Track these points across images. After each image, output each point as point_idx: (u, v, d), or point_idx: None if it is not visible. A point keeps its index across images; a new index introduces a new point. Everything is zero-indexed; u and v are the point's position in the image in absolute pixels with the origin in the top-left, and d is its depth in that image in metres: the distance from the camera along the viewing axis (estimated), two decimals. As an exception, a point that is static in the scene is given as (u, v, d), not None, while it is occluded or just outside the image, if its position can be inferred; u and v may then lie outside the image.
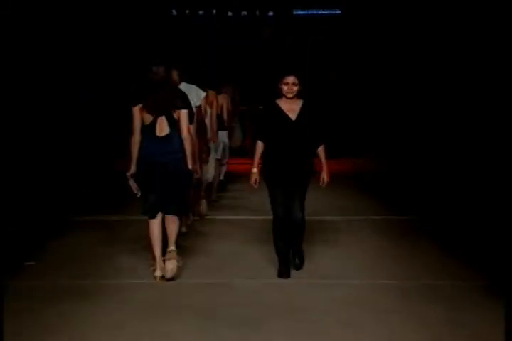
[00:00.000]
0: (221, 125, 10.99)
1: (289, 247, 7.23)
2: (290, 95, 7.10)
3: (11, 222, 9.00)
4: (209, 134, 9.82)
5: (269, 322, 5.86)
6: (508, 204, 10.23)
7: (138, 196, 7.12)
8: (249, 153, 15.94)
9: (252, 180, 7.10)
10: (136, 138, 6.91)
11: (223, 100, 11.18)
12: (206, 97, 9.10)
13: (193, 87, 8.52)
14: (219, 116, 10.82)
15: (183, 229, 8.65)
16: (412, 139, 15.50)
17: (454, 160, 12.59)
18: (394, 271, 7.42)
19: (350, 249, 8.31)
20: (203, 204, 10.07)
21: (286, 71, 7.19)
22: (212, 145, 10.03)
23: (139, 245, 8.37)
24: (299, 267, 7.36)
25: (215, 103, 10.30)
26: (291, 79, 7.09)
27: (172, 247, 7.04)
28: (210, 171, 10.20)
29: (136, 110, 6.87)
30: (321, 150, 7.21)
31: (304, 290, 6.75)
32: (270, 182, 7.11)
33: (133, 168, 6.96)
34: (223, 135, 11.25)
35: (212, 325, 5.81)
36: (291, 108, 7.14)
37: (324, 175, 7.17)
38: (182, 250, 8.02)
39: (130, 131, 7.00)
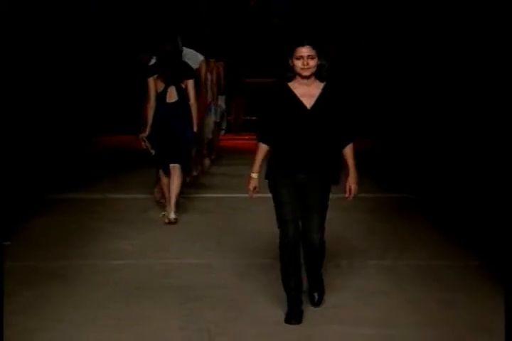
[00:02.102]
0: (219, 90, 12.15)
1: (301, 281, 5.68)
2: (306, 73, 5.36)
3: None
4: (209, 98, 11.28)
5: (255, 305, 5.87)
6: (504, 184, 10.30)
7: (152, 154, 8.47)
8: (234, 128, 16.09)
9: (251, 186, 5.58)
10: (152, 104, 8.33)
11: (220, 67, 12.39)
12: (207, 64, 10.76)
13: (191, 51, 9.59)
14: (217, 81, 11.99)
15: (187, 180, 10.12)
16: (409, 118, 15.27)
17: (450, 139, 12.45)
18: (386, 251, 7.42)
19: (340, 228, 8.26)
20: (206, 162, 11.98)
21: (297, 40, 5.42)
22: (212, 108, 11.61)
23: (118, 225, 8.43)
24: (317, 302, 5.83)
25: (215, 70, 11.78)
26: (305, 50, 5.33)
27: (174, 196, 8.46)
28: (207, 131, 11.59)
29: (150, 80, 8.32)
30: (348, 150, 5.54)
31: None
32: (276, 191, 5.52)
33: (148, 130, 8.39)
34: (221, 99, 12.47)
35: (193, 308, 5.82)
36: (308, 92, 5.43)
37: (351, 183, 5.53)
38: (166, 228, 8.14)
39: (145, 99, 8.51)
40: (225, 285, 6.35)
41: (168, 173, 8.53)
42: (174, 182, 8.46)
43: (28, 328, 5.42)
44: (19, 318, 5.58)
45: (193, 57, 9.38)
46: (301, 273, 5.61)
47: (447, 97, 13.20)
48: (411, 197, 10.16)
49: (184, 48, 8.96)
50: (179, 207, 8.76)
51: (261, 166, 5.58)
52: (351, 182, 5.54)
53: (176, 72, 8.37)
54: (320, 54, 5.37)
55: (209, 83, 11.18)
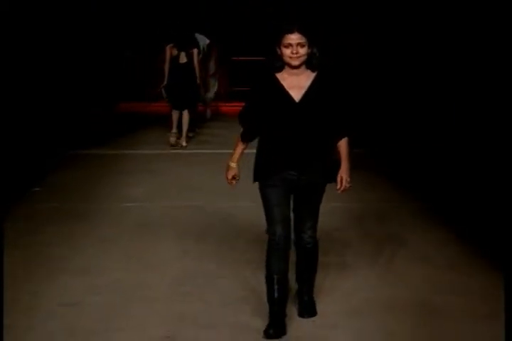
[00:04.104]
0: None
1: (286, 292, 4.28)
2: (295, 62, 4.04)
3: (20, 154, 8.92)
4: (212, 69, 12.57)
5: (240, 239, 5.85)
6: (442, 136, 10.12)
7: (165, 98, 10.26)
8: (223, 97, 15.85)
9: (229, 175, 4.30)
10: (167, 63, 9.96)
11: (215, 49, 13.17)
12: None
13: (202, 36, 11.07)
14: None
15: (208, 116, 12.76)
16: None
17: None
18: (340, 195, 7.30)
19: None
20: (208, 112, 13.08)
21: (286, 27, 4.08)
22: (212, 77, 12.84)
23: (128, 175, 8.35)
24: (307, 312, 4.37)
25: (214, 51, 12.62)
26: (294, 37, 4.01)
27: (184, 131, 10.16)
28: (211, 92, 12.84)
29: (168, 48, 9.95)
30: (342, 143, 4.22)
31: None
32: (265, 192, 4.20)
33: (165, 82, 10.00)
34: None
35: (188, 242, 5.80)
36: (298, 84, 4.09)
37: (343, 174, 4.21)
38: (167, 178, 8.09)
39: (163, 61, 10.09)
40: (214, 224, 6.34)
41: (178, 111, 10.18)
42: (184, 120, 10.14)
43: (52, 257, 5.42)
44: (45, 249, 5.58)
45: (202, 40, 10.91)
46: (287, 284, 4.29)
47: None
48: (359, 152, 9.87)
49: (196, 34, 10.67)
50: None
51: (240, 156, 4.31)
52: (342, 173, 4.21)
53: (185, 43, 10.02)
54: (311, 41, 4.07)
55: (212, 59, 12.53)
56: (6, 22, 7.29)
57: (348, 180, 4.22)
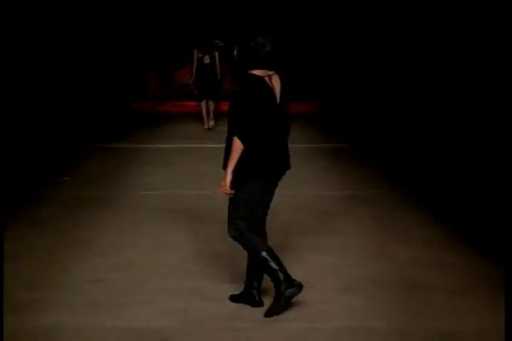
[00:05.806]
0: None
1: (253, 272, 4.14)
2: None
3: (51, 148, 8.92)
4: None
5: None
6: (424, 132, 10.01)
7: (195, 93, 11.38)
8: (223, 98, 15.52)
9: (229, 182, 3.83)
10: (195, 64, 11.05)
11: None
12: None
13: (218, 41, 11.67)
14: None
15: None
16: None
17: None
18: (331, 185, 7.31)
19: (294, 169, 8.20)
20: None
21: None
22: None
23: (146, 166, 8.29)
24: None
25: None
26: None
27: (211, 115, 11.32)
28: None
29: (195, 51, 11.07)
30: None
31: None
32: (251, 195, 3.87)
33: (193, 78, 11.16)
34: None
35: (198, 225, 5.78)
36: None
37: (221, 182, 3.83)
38: (181, 169, 8.01)
39: (191, 62, 11.19)
40: (221, 210, 6.20)
41: (205, 102, 11.27)
42: (211, 107, 11.30)
43: (79, 238, 5.39)
44: (73, 232, 5.56)
45: (219, 44, 11.68)
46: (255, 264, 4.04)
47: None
48: (348, 146, 9.82)
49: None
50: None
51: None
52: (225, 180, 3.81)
53: (208, 48, 11.06)
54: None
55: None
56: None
57: (224, 187, 3.79)
